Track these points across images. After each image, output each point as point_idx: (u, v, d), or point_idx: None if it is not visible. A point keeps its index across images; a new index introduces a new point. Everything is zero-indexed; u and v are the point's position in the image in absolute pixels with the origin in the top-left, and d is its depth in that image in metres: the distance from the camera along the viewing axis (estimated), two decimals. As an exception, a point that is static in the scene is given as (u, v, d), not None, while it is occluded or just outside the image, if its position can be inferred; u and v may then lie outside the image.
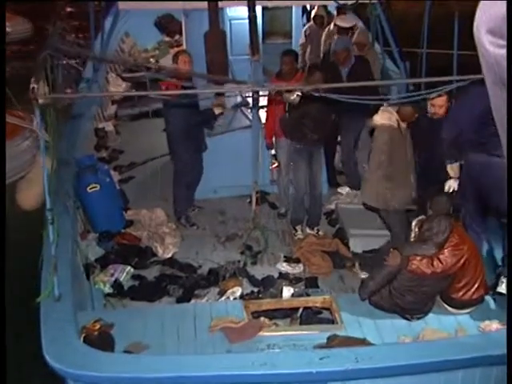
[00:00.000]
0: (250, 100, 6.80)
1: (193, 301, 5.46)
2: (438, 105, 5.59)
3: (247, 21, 6.00)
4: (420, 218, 5.04)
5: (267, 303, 5.19)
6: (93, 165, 6.52)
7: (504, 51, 1.35)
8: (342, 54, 7.03)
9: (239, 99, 7.56)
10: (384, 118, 5.64)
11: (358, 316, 4.84)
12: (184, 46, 8.62)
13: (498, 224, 5.39)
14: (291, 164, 6.74)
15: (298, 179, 6.53)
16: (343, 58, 7.02)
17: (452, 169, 5.57)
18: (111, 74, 10.39)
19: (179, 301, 5.49)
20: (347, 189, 7.44)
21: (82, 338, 4.27)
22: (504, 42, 1.34)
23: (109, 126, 9.29)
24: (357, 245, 6.26)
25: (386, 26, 8.38)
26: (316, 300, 5.19)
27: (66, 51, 6.10)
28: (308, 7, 10.50)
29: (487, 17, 1.36)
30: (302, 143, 6.36)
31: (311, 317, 5.07)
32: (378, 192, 5.76)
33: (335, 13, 9.47)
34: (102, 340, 4.34)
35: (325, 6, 9.88)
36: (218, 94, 6.93)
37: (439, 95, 5.32)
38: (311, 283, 5.72)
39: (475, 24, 1.40)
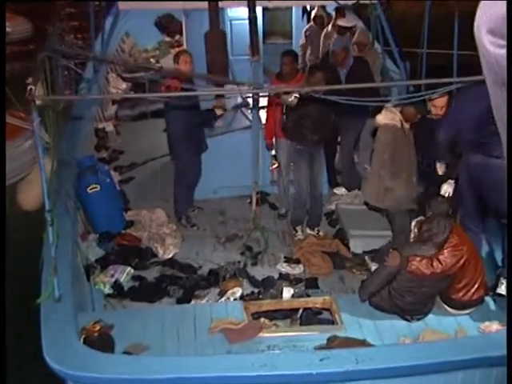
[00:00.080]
0: (250, 101, 6.81)
1: (193, 301, 5.46)
2: (439, 105, 5.59)
3: (247, 21, 6.01)
4: (419, 218, 5.04)
5: (267, 304, 5.19)
6: (93, 165, 6.52)
7: (504, 51, 1.35)
8: (340, 54, 7.02)
9: (239, 100, 7.56)
10: (387, 117, 5.65)
11: (358, 317, 4.84)
12: (184, 46, 8.62)
13: (498, 225, 5.39)
14: (291, 165, 6.75)
15: (300, 180, 6.52)
16: (342, 58, 7.02)
17: (440, 167, 5.60)
18: (111, 75, 10.39)
19: (179, 301, 5.49)
20: (343, 189, 7.44)
21: (82, 340, 4.28)
22: (504, 42, 1.34)
23: (109, 127, 9.30)
24: (357, 245, 6.26)
25: (386, 26, 8.38)
26: (316, 301, 5.19)
27: (65, 52, 6.09)
28: (308, 8, 10.50)
29: (487, 17, 1.37)
30: (302, 144, 6.36)
31: (311, 317, 5.07)
32: (380, 191, 5.76)
33: (333, 14, 9.47)
34: (102, 341, 4.34)
35: (323, 7, 9.89)
36: (219, 96, 6.94)
37: (440, 95, 5.32)
38: (311, 284, 5.72)
39: (476, 24, 1.40)
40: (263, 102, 6.67)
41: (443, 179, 5.56)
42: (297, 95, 5.59)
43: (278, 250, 6.34)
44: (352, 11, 9.74)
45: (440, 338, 4.56)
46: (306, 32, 9.81)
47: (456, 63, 7.68)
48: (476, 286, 4.83)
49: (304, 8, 10.15)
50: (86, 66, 9.30)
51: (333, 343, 4.40)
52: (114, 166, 8.17)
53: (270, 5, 7.95)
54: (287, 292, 5.44)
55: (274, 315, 5.07)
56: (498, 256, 5.39)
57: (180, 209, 6.89)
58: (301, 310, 5.14)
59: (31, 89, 4.06)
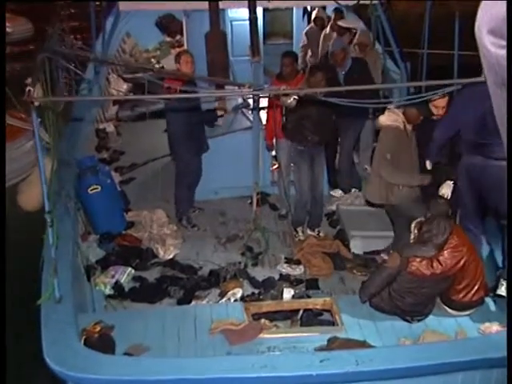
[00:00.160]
0: (250, 101, 6.81)
1: (193, 302, 5.46)
2: (440, 106, 5.60)
3: (248, 22, 6.01)
4: (419, 219, 5.03)
5: (267, 305, 5.19)
6: (94, 166, 6.52)
7: (505, 52, 1.35)
8: (339, 54, 7.03)
9: (240, 100, 7.56)
10: (390, 119, 5.67)
11: (359, 318, 4.84)
12: (185, 47, 8.63)
13: (498, 226, 5.39)
14: (292, 166, 6.75)
15: (301, 181, 6.52)
16: (340, 59, 7.03)
17: (428, 164, 5.63)
18: (112, 75, 10.39)
19: (180, 302, 5.49)
20: (340, 191, 7.44)
21: (82, 341, 4.28)
22: (505, 43, 1.34)
23: (110, 127, 9.31)
24: (357, 246, 6.26)
25: (387, 27, 8.38)
26: (316, 302, 5.19)
27: (65, 53, 6.09)
28: (309, 8, 10.50)
29: (488, 17, 1.37)
30: (302, 145, 6.37)
31: (312, 319, 5.06)
32: (383, 188, 5.79)
33: (332, 15, 9.48)
34: (102, 342, 4.34)
35: (324, 8, 9.90)
36: (219, 97, 6.94)
37: (441, 96, 5.32)
38: (312, 285, 5.72)
39: (477, 24, 1.40)
40: (264, 102, 6.67)
41: (442, 180, 5.57)
42: (296, 97, 5.59)
43: (279, 250, 6.35)
44: (352, 11, 9.77)
45: (440, 339, 4.55)
46: (306, 33, 9.82)
47: (457, 63, 7.69)
48: (476, 287, 4.83)
49: (305, 9, 10.15)
50: (86, 66, 9.30)
51: (333, 344, 4.40)
52: (114, 166, 8.18)
53: (271, 5, 7.94)
54: (288, 293, 5.44)
55: (274, 316, 5.07)
56: (498, 257, 5.39)
57: (181, 209, 6.90)
58: (301, 311, 5.14)
59: (29, 90, 4.07)
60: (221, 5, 6.57)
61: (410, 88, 7.47)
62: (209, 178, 7.00)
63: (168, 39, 12.36)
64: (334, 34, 8.90)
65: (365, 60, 7.57)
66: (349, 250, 6.23)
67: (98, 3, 10.06)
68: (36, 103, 4.14)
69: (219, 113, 6.72)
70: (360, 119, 7.19)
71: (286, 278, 5.82)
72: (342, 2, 8.34)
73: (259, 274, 5.90)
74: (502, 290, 5.01)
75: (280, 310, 5.17)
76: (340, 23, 8.83)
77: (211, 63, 6.48)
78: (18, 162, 5.98)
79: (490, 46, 1.37)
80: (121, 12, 9.35)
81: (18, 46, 15.21)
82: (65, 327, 4.24)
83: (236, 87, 5.78)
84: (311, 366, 3.80)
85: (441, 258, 4.71)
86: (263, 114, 6.88)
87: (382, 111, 5.85)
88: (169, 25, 12.08)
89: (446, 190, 5.46)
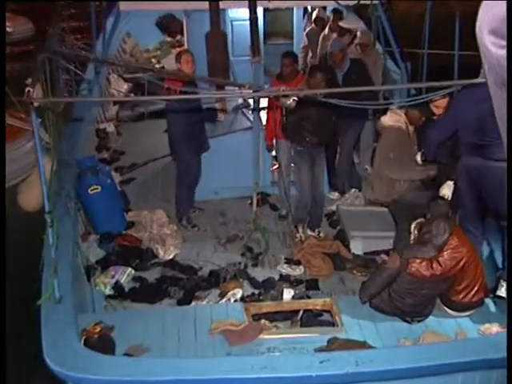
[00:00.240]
0: (250, 101, 6.81)
1: (193, 303, 5.46)
2: (441, 106, 5.61)
3: (248, 22, 6.01)
4: (419, 220, 5.03)
5: (267, 306, 5.19)
6: (94, 166, 6.52)
7: (505, 52, 1.35)
8: (338, 55, 7.04)
9: (240, 101, 7.56)
10: (393, 119, 5.68)
11: (359, 319, 4.84)
12: (185, 47, 8.63)
13: (498, 227, 5.38)
14: (293, 166, 6.75)
15: (301, 182, 6.52)
16: (339, 60, 7.03)
17: (419, 158, 5.69)
18: (113, 75, 10.40)
19: (180, 303, 5.49)
20: (336, 194, 7.43)
21: (82, 341, 4.28)
22: (506, 43, 1.35)
23: (110, 127, 9.31)
24: (357, 246, 6.25)
25: (387, 27, 8.37)
26: (316, 302, 5.19)
27: (65, 54, 6.10)
28: (309, 8, 10.51)
29: (489, 17, 1.37)
30: (302, 146, 6.37)
31: (311, 319, 5.06)
32: (384, 187, 5.79)
33: (331, 16, 9.48)
34: (102, 343, 4.35)
35: (324, 8, 9.89)
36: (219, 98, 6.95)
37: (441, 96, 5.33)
38: (312, 285, 5.71)
39: (477, 24, 1.41)
40: (264, 103, 6.67)
41: (442, 180, 5.57)
42: (295, 98, 5.59)
43: (279, 251, 6.34)
44: (353, 12, 9.77)
45: (440, 339, 4.56)
46: (307, 34, 9.82)
47: (457, 64, 7.69)
48: (476, 288, 4.83)
49: (305, 9, 10.15)
50: (86, 66, 9.30)
51: (333, 345, 4.40)
52: (114, 166, 8.18)
53: (271, 5, 7.94)
54: (288, 293, 5.44)
55: (274, 317, 5.07)
56: (498, 258, 5.39)
57: (181, 209, 6.90)
58: (301, 312, 5.14)
59: (29, 91, 4.07)
60: (221, 5, 6.57)
61: (410, 89, 7.48)
62: (209, 178, 7.00)
63: (168, 39, 12.36)
64: (333, 35, 8.90)
65: (363, 61, 7.57)
66: (349, 250, 6.23)
67: (98, 3, 10.06)
68: (36, 104, 4.15)
69: (220, 115, 6.71)
70: (360, 120, 7.19)
71: (286, 279, 5.82)
72: (343, 2, 8.34)
73: (259, 274, 5.90)
74: (502, 291, 5.01)
75: (280, 310, 5.17)
76: (341, 24, 8.83)
77: (211, 63, 6.48)
78: (18, 162, 5.98)
79: (491, 46, 1.37)
80: (121, 12, 9.35)
81: (18, 45, 15.20)
82: (65, 327, 4.24)
83: (236, 88, 5.78)
84: (311, 367, 3.81)
85: (441, 259, 4.71)
86: (263, 115, 6.88)
87: (383, 112, 5.86)
88: (169, 25, 12.08)
89: (447, 190, 5.46)
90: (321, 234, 6.65)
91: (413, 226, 5.04)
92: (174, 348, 4.51)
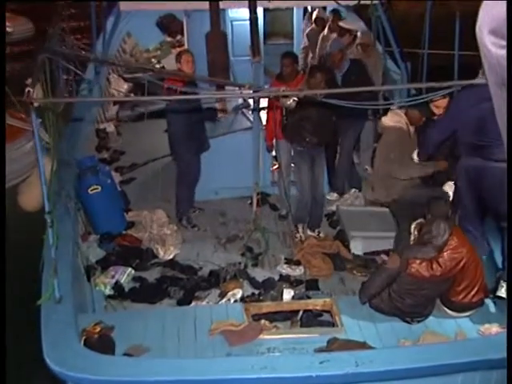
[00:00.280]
0: (251, 101, 6.81)
1: (193, 303, 5.46)
2: (441, 106, 5.61)
3: (248, 22, 6.02)
4: (419, 221, 5.03)
5: (267, 306, 5.19)
6: (94, 166, 6.51)
7: (505, 52, 1.36)
8: (337, 55, 7.04)
9: (240, 101, 7.56)
10: (393, 119, 5.68)
11: (359, 319, 4.84)
12: (186, 47, 8.63)
13: (497, 227, 5.39)
14: (293, 166, 6.74)
15: (301, 182, 6.52)
16: (338, 60, 7.04)
17: (416, 159, 5.74)
18: (113, 75, 10.40)
19: (180, 303, 5.48)
20: (335, 195, 7.43)
21: (82, 341, 4.28)
22: (506, 43, 1.35)
23: (110, 127, 9.31)
24: (357, 247, 6.25)
25: (387, 27, 8.38)
26: (316, 303, 5.18)
27: (65, 54, 6.10)
28: (309, 9, 10.51)
29: (490, 17, 1.37)
30: (301, 146, 6.37)
31: (311, 319, 5.06)
32: (384, 186, 5.79)
33: (330, 16, 9.47)
34: (102, 343, 4.35)
35: (324, 8, 9.90)
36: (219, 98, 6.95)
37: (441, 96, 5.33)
38: (312, 285, 5.71)
39: (478, 24, 1.41)
40: (264, 103, 6.67)
41: (443, 181, 5.58)
42: (295, 98, 5.59)
43: (279, 251, 6.34)
44: (353, 12, 9.77)
45: (440, 340, 4.56)
46: (307, 34, 9.83)
47: (457, 64, 7.69)
48: (476, 288, 4.83)
49: (305, 9, 10.16)
50: (86, 66, 9.30)
51: (333, 345, 4.40)
52: (114, 166, 8.18)
53: (271, 5, 7.95)
54: (287, 293, 5.44)
55: (274, 317, 5.07)
56: (498, 258, 5.39)
57: (181, 209, 6.90)
58: (301, 312, 5.13)
59: (29, 91, 4.07)
60: (221, 5, 6.58)
61: (410, 89, 7.48)
62: (209, 178, 7.00)
63: (168, 39, 12.36)
64: (332, 35, 8.91)
65: (363, 61, 7.57)
66: (349, 250, 6.23)
67: (98, 3, 10.05)
68: (36, 104, 4.15)
69: (221, 115, 6.71)
70: (360, 120, 7.19)
71: (285, 279, 5.82)
72: (343, 3, 8.35)
73: (259, 274, 5.90)
74: (502, 292, 5.01)
75: (280, 310, 5.17)
76: (341, 24, 8.83)
77: (212, 63, 6.49)
78: (18, 162, 5.98)
79: (491, 46, 1.37)
80: (121, 12, 9.37)
81: (18, 45, 15.20)
82: (65, 327, 4.24)
83: (236, 88, 5.78)
84: (311, 367, 3.81)
85: (440, 260, 4.71)
86: (263, 115, 6.88)
87: (383, 112, 5.87)
88: (169, 25, 12.07)
89: (447, 190, 5.47)
90: (321, 234, 6.65)
91: (413, 226, 5.04)
92: (173, 348, 4.51)
